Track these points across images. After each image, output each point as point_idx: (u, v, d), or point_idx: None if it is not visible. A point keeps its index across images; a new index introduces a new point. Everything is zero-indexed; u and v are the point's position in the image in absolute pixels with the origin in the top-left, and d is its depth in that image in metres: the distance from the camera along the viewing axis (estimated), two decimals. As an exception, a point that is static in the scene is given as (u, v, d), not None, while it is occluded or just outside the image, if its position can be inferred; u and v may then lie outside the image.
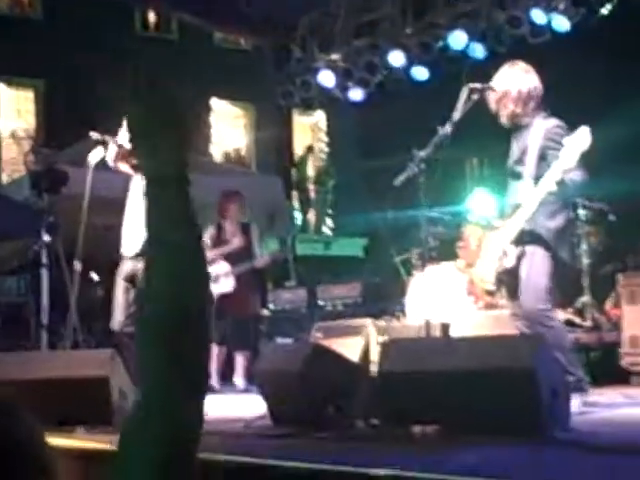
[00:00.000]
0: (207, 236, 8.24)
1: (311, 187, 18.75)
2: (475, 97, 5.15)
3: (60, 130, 14.38)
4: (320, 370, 4.40)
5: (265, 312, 9.83)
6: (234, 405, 6.73)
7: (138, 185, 6.25)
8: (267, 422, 4.60)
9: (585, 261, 7.64)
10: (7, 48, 15.18)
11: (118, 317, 6.19)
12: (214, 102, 19.02)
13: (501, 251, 4.96)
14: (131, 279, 6.11)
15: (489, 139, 6.84)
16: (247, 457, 3.40)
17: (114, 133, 6.20)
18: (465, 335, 6.57)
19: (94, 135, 6.42)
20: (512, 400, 3.55)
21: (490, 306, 7.31)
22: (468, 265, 7.53)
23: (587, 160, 4.70)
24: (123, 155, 6.35)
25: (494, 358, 3.73)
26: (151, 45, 17.40)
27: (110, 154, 6.47)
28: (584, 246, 7.72)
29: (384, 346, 4.69)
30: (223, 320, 8.19)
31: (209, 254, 7.73)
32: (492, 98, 5.09)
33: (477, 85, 5.15)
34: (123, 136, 5.84)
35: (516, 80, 5.02)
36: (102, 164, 6.53)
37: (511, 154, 5.15)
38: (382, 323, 7.63)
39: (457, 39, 9.68)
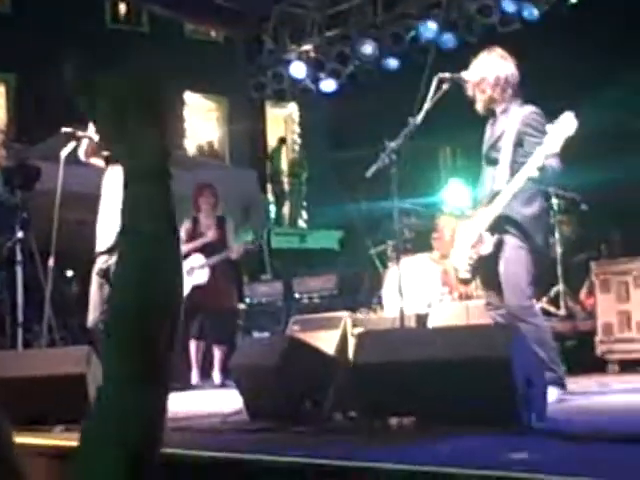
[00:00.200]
0: (183, 230, 8.21)
1: (285, 180, 18.71)
2: (445, 87, 5.16)
3: (31, 125, 14.24)
4: (297, 364, 4.39)
5: (242, 306, 9.82)
6: (211, 400, 6.72)
7: (111, 179, 6.22)
8: (244, 417, 4.59)
9: (558, 250, 7.68)
10: (-24, 43, 15.02)
11: (93, 314, 6.17)
12: (187, 96, 18.92)
13: (477, 237, 4.92)
14: (104, 274, 6.08)
15: (462, 128, 6.86)
16: (224, 452, 3.38)
17: (86, 127, 6.16)
18: (440, 325, 6.59)
19: (66, 130, 6.37)
20: (488, 389, 3.56)
21: (465, 296, 7.34)
22: (442, 256, 7.56)
23: (562, 150, 4.70)
24: (94, 149, 6.32)
25: (469, 348, 3.73)
26: (122, 38, 17.27)
27: (82, 148, 6.43)
28: (557, 235, 7.77)
29: (359, 337, 4.68)
30: (201, 314, 8.18)
31: (184, 247, 7.70)
32: (469, 84, 5.10)
33: (447, 75, 5.17)
34: (94, 130, 5.80)
35: (493, 66, 5.03)
36: (74, 159, 6.49)
37: (485, 140, 5.14)
38: (359, 316, 7.65)
39: (428, 29, 9.70)
